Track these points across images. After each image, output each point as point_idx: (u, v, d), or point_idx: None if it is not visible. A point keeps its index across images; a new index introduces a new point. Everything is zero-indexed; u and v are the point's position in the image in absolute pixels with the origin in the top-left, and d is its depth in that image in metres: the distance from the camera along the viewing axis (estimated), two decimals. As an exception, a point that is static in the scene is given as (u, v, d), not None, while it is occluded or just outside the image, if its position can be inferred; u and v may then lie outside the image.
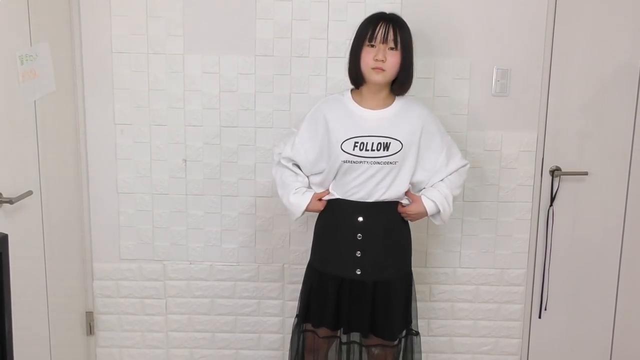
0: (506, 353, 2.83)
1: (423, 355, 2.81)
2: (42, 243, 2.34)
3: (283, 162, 2.28)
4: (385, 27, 2.11)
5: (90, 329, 2.80)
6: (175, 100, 2.65)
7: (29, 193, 2.15)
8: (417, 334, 2.35)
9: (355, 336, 2.32)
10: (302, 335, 2.35)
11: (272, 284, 2.79)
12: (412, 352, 2.34)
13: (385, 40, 2.11)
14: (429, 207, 2.22)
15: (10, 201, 2.02)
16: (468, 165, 2.31)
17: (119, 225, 2.75)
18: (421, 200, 2.23)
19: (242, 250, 2.77)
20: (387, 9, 2.55)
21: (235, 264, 2.77)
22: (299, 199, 2.25)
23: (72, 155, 2.64)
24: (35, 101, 2.25)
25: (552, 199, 2.71)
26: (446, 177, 2.25)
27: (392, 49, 2.11)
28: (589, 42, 2.61)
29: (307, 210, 2.26)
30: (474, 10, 2.58)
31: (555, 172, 2.69)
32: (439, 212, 2.23)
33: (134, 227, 2.75)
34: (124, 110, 2.66)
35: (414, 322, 2.33)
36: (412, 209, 2.23)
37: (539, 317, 2.81)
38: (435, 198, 2.21)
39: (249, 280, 2.78)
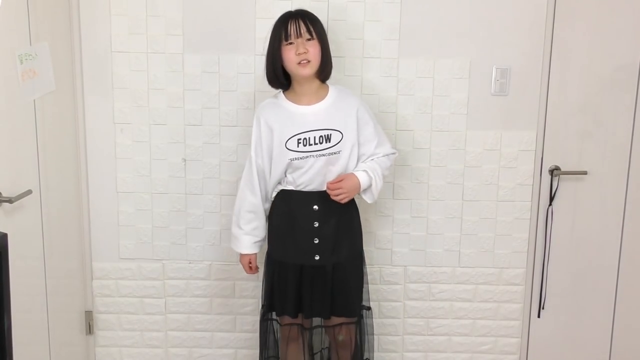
0: (505, 352, 2.84)
1: (422, 354, 2.84)
2: (41, 242, 2.34)
3: (244, 184, 2.37)
4: (295, 22, 2.21)
5: (89, 328, 2.81)
6: (175, 99, 2.65)
7: (29, 192, 2.15)
8: (369, 308, 2.46)
9: (316, 322, 2.42)
10: (269, 325, 2.42)
11: (272, 283, 2.79)
12: (365, 333, 2.42)
13: (299, 35, 2.20)
14: (362, 178, 2.26)
15: (10, 200, 2.02)
16: (396, 154, 2.41)
17: (118, 225, 2.75)
18: (353, 174, 2.27)
19: (242, 249, 2.77)
20: (387, 9, 2.56)
21: (234, 263, 2.77)
22: (242, 240, 2.37)
23: (71, 154, 2.64)
24: (34, 100, 2.25)
25: (552, 198, 2.72)
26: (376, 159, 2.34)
27: (309, 39, 2.21)
28: (589, 41, 2.61)
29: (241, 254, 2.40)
30: (473, 9, 2.58)
31: (554, 171, 2.69)
32: (370, 185, 2.28)
33: (134, 227, 2.75)
34: (123, 110, 2.66)
35: (365, 299, 2.44)
36: (346, 184, 2.25)
37: (538, 316, 2.81)
38: (366, 167, 2.28)
39: (248, 279, 2.78)
